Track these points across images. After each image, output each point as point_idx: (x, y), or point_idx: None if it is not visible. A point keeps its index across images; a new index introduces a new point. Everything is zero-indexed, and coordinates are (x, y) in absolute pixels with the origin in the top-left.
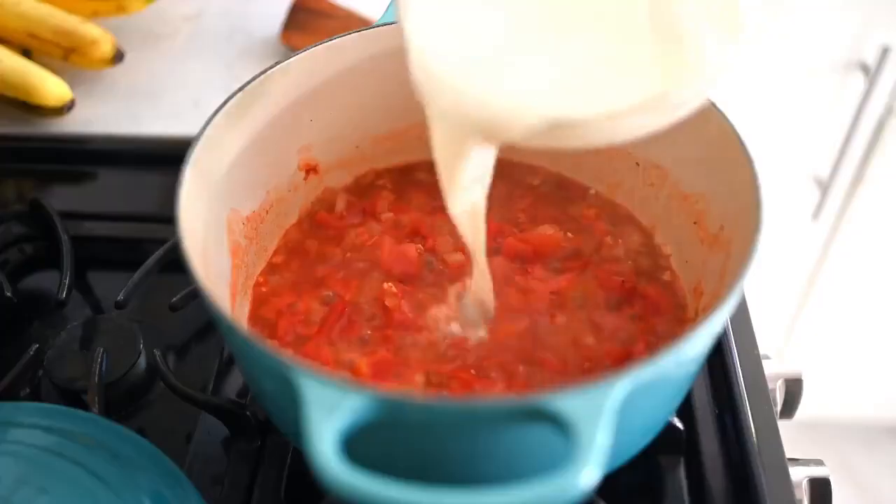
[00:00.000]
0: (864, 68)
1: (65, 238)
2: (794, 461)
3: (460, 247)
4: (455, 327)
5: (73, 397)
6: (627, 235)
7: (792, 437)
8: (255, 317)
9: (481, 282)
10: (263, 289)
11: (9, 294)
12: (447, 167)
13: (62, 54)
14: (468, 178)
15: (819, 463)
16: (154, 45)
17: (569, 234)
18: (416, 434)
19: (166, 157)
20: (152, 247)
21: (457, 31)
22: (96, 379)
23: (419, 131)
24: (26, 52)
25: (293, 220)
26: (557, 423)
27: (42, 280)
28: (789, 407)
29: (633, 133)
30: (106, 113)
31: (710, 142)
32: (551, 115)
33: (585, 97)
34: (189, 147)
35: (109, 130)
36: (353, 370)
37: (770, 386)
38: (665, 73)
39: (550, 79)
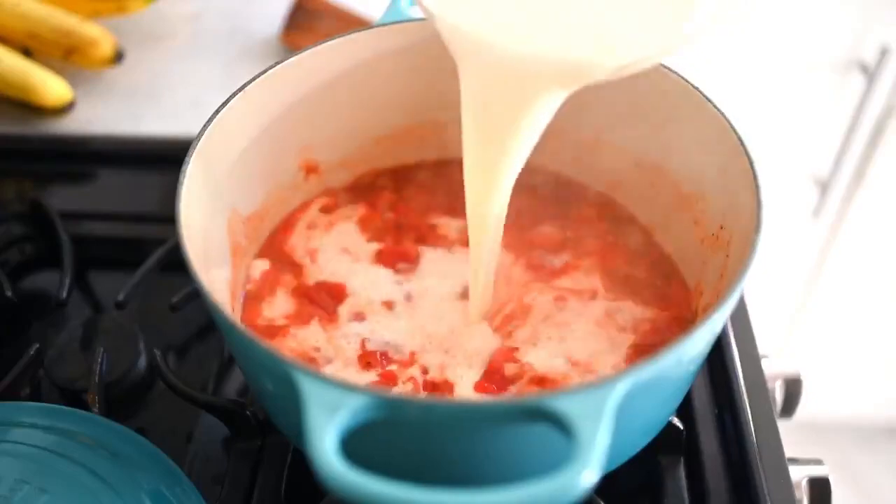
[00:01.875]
0: (864, 68)
1: (65, 238)
2: (794, 461)
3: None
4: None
5: (73, 397)
6: (627, 235)
7: (792, 437)
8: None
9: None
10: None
11: (9, 294)
12: (504, 151)
13: (62, 54)
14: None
15: (819, 463)
16: (154, 45)
17: (569, 234)
18: (417, 434)
19: (166, 157)
20: (152, 247)
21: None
22: (96, 379)
23: (419, 131)
24: (26, 52)
25: None
26: (557, 423)
27: (42, 280)
28: (789, 407)
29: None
30: (106, 113)
31: (710, 142)
32: (626, 57)
33: (643, 39)
34: (189, 147)
35: (109, 130)
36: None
37: (769, 386)
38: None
39: (609, 26)
